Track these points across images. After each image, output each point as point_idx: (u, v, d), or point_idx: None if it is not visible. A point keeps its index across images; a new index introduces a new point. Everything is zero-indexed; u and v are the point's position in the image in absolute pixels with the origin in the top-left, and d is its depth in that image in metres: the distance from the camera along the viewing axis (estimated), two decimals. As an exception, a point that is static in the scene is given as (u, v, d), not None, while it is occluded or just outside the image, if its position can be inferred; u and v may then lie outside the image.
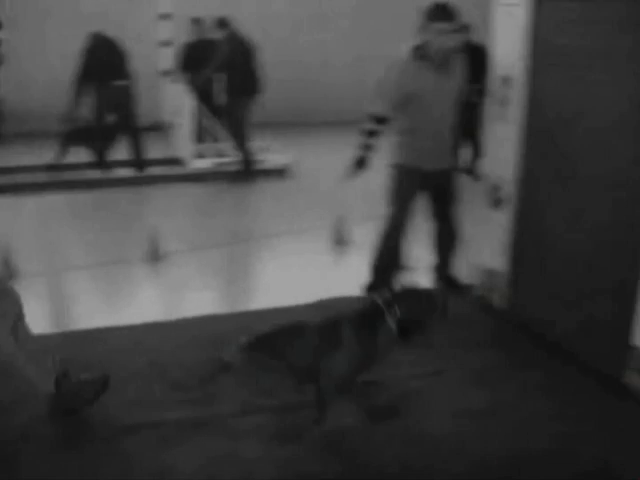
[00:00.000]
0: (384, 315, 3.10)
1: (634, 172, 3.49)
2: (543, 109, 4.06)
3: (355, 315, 3.19)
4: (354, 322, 3.14)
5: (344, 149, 4.81)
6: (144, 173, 8.71)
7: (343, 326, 3.12)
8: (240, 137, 8.66)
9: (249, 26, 9.03)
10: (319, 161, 9.44)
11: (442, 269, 4.87)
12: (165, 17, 10.80)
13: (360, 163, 4.49)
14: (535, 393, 3.65)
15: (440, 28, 4.15)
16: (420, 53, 4.26)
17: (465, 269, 4.92)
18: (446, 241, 4.80)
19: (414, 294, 3.29)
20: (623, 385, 3.61)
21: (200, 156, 9.17)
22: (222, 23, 8.58)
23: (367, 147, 4.45)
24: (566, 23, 3.82)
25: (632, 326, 3.54)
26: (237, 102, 8.47)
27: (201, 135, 9.36)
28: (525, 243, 4.36)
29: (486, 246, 4.66)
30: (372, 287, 4.67)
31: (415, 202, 4.62)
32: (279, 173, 9.10)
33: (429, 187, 4.62)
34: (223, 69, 8.49)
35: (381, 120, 4.38)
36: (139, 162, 8.71)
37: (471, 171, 8.14)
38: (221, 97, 8.80)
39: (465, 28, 8.71)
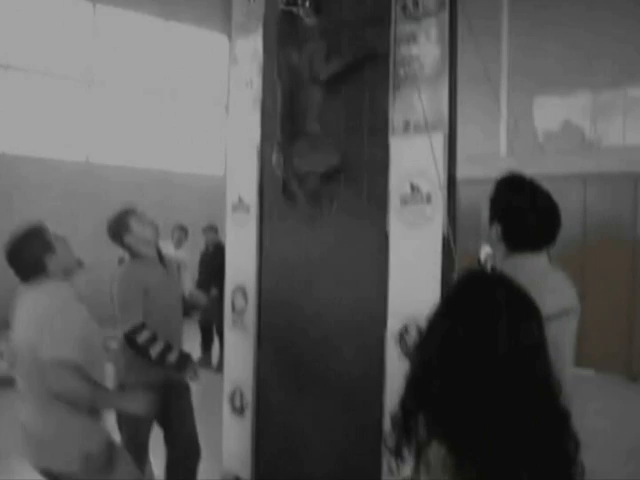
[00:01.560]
0: None
1: (363, 375, 3.69)
2: (275, 317, 4.23)
3: None
4: None
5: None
6: None
7: None
8: None
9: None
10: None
11: None
12: None
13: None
14: None
15: (139, 219, 4.07)
16: (131, 252, 4.09)
17: (214, 475, 4.74)
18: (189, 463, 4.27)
19: None
20: None
21: None
22: None
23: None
24: (290, 238, 4.12)
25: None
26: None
27: None
28: (267, 448, 4.35)
29: (232, 453, 4.57)
30: None
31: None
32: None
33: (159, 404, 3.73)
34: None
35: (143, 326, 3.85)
36: None
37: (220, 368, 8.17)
38: None
39: (212, 229, 9.09)
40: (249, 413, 4.43)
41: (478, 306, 1.41)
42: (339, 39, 3.86)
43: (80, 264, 3.42)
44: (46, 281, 3.11)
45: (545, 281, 2.45)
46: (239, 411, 4.49)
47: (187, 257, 8.81)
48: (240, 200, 4.40)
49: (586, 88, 9.64)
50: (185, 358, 3.89)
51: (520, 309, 1.42)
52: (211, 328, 8.93)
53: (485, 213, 2.67)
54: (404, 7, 3.59)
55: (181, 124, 13.66)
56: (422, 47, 3.50)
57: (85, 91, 12.46)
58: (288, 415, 4.18)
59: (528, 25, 9.76)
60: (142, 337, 3.82)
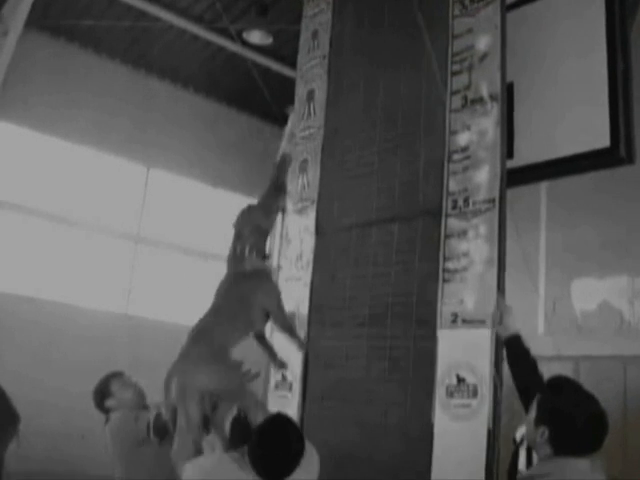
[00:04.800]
0: None
1: None
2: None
3: None
4: None
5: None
6: None
7: None
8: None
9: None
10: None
11: None
12: None
13: None
14: None
15: (121, 383, 3.98)
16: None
17: None
18: None
19: None
20: None
21: None
22: None
23: None
24: (332, 420, 4.11)
25: None
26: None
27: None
28: None
29: None
30: None
31: None
32: None
33: None
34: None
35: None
36: None
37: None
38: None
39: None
40: None
41: None
42: (391, 228, 4.04)
43: None
44: None
45: None
46: None
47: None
48: (284, 378, 4.44)
49: (623, 271, 9.72)
50: None
51: None
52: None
53: (532, 413, 2.68)
54: (455, 203, 3.76)
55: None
56: (471, 243, 3.63)
57: (131, 248, 12.89)
58: None
59: (566, 212, 10.02)
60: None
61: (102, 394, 3.96)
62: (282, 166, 3.86)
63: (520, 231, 7.92)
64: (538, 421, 2.61)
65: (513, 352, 3.04)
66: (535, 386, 2.84)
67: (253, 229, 3.59)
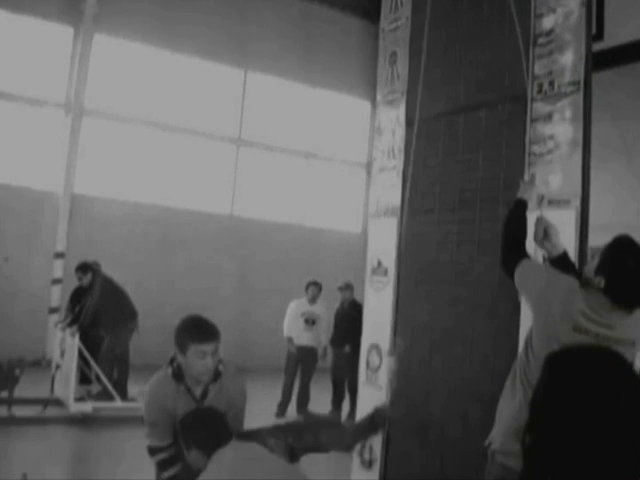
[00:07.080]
0: None
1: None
2: (407, 376, 4.40)
3: None
4: None
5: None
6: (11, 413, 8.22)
7: None
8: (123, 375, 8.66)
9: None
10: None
11: None
12: (59, 256, 11.13)
13: None
14: None
15: (199, 350, 3.48)
16: (177, 373, 3.60)
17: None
18: None
19: None
20: None
21: (81, 398, 8.88)
22: (84, 268, 8.76)
23: None
24: (425, 301, 4.36)
25: None
26: (116, 336, 8.47)
27: (84, 377, 9.15)
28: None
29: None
30: None
31: None
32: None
33: None
34: (96, 310, 8.51)
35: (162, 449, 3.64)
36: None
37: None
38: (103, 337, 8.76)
39: (349, 287, 9.42)
40: (377, 467, 4.62)
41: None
42: (478, 115, 4.13)
43: None
44: None
45: None
46: (368, 464, 4.68)
47: (322, 312, 9.24)
48: (379, 263, 4.69)
49: None
50: None
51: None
52: (343, 384, 9.15)
53: (594, 262, 2.82)
54: (540, 87, 3.80)
55: (322, 183, 14.27)
56: (557, 126, 3.69)
57: (234, 150, 13.32)
58: (415, 469, 4.33)
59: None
60: (158, 457, 3.63)
61: (179, 345, 3.56)
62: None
63: (619, 116, 7.73)
64: (598, 270, 2.76)
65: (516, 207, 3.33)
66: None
67: (277, 443, 3.46)
